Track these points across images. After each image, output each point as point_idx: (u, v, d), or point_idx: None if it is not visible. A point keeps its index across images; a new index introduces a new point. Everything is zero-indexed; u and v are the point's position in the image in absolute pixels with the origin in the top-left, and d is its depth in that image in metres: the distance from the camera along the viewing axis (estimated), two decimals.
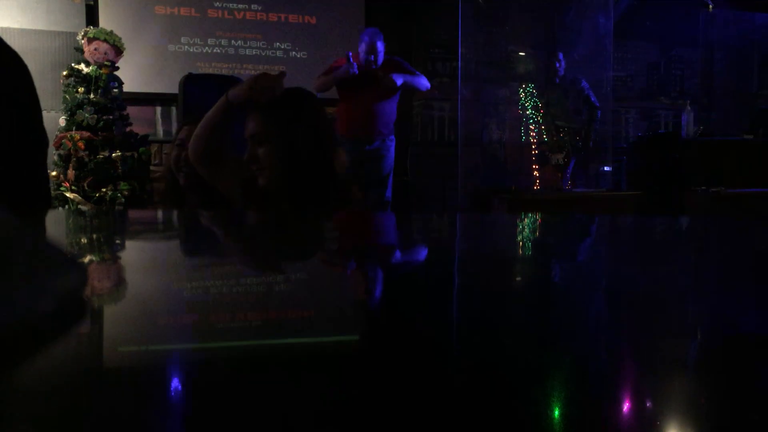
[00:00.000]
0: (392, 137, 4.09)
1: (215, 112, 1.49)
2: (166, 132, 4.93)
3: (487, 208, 4.37)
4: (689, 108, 5.07)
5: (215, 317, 0.32)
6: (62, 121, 4.08)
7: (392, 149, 4.10)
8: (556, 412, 0.19)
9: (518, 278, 0.48)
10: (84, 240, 0.70)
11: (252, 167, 1.47)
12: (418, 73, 4.02)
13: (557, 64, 4.83)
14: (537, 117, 5.39)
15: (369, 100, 3.93)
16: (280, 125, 1.45)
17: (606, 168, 5.27)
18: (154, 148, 4.67)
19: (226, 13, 5.08)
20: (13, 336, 0.24)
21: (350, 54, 3.80)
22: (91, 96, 4.04)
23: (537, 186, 5.14)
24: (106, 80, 4.09)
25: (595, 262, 0.58)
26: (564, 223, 1.00)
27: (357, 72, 3.77)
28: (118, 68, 4.23)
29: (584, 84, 4.92)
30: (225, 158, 1.55)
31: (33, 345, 0.24)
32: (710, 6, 5.29)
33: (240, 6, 5.11)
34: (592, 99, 4.91)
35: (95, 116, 4.01)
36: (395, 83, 3.80)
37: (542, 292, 0.41)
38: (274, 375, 0.22)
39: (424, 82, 3.98)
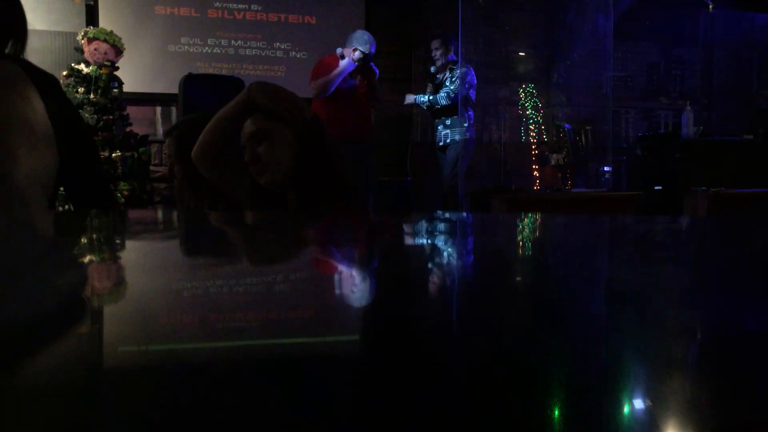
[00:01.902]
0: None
1: (234, 109, 1.49)
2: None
3: (487, 208, 4.37)
4: (689, 108, 5.06)
5: (215, 317, 0.32)
6: None
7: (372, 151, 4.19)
8: (557, 413, 0.19)
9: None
10: (84, 240, 0.69)
11: (253, 168, 1.46)
12: None
13: (434, 53, 4.45)
14: (537, 117, 5.38)
15: (361, 102, 4.01)
16: (278, 122, 1.46)
17: (606, 168, 5.25)
18: (154, 148, 4.67)
19: (226, 13, 5.08)
20: (14, 336, 0.24)
21: (341, 50, 3.89)
22: (91, 96, 4.04)
23: (537, 186, 5.14)
24: (106, 80, 4.09)
25: (602, 263, 0.58)
26: (567, 223, 1.00)
27: (355, 64, 3.88)
28: (118, 68, 4.23)
29: (467, 71, 4.47)
30: (228, 161, 1.55)
31: (33, 345, 0.24)
32: (710, 6, 5.29)
33: (240, 6, 5.11)
34: (452, 87, 4.41)
35: (95, 116, 4.01)
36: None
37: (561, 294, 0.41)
38: (274, 375, 0.22)
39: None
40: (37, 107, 0.99)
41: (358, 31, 4.09)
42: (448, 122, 4.43)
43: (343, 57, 3.90)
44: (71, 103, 1.17)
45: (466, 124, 4.47)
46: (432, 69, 4.50)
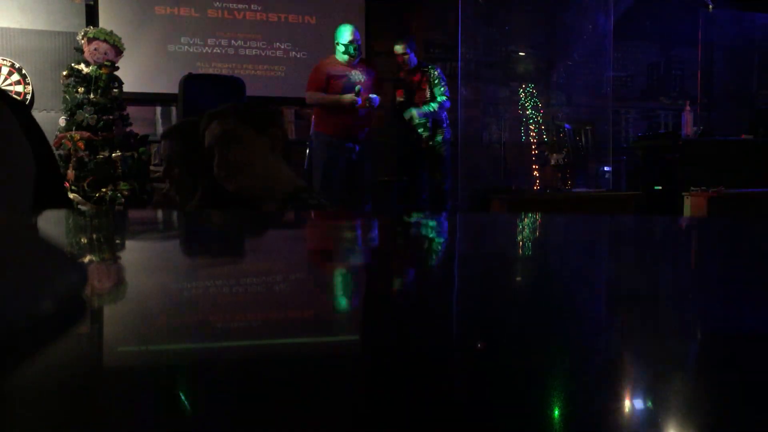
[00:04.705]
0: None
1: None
2: None
3: (487, 208, 4.37)
4: (689, 108, 5.06)
5: (215, 317, 0.32)
6: (62, 121, 4.09)
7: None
8: (557, 412, 0.19)
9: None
10: (84, 240, 0.70)
11: (221, 173, 1.45)
12: None
13: (405, 57, 4.36)
14: (537, 117, 5.39)
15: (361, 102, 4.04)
16: (249, 127, 1.45)
17: (606, 168, 5.26)
18: (154, 148, 4.67)
19: (226, 13, 5.08)
20: (13, 336, 0.24)
21: (361, 89, 3.98)
22: (91, 96, 4.04)
23: (537, 186, 5.14)
24: (106, 80, 4.09)
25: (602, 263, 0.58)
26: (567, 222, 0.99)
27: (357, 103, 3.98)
28: (118, 68, 4.23)
29: (438, 72, 4.43)
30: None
31: (33, 345, 0.24)
32: (710, 6, 5.29)
33: (240, 6, 5.11)
34: (443, 89, 4.40)
35: (95, 116, 4.01)
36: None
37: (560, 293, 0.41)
38: (274, 375, 0.22)
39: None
40: (23, 144, 0.98)
41: (343, 26, 4.13)
42: (429, 125, 4.41)
43: (357, 93, 3.94)
44: (41, 128, 1.16)
45: (444, 125, 4.47)
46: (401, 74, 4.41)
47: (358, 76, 4.06)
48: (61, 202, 1.20)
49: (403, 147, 4.56)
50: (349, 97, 3.94)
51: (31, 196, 0.96)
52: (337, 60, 4.09)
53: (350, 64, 4.06)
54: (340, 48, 4.05)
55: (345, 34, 4.06)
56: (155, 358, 0.25)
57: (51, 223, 0.83)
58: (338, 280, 0.47)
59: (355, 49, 4.04)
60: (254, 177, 1.44)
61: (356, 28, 4.13)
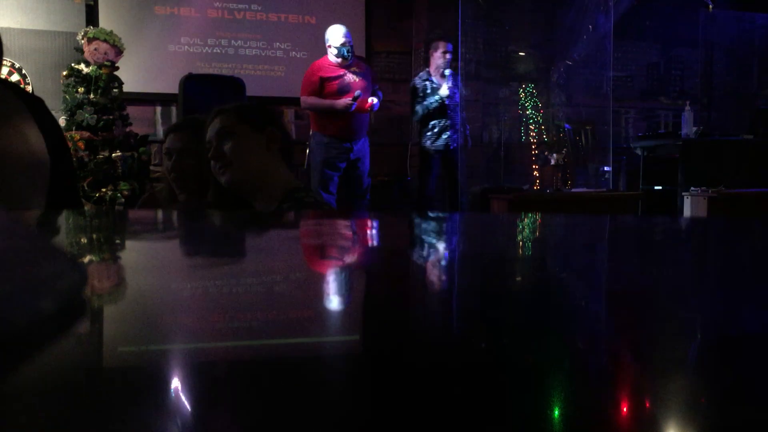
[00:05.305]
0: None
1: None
2: None
3: (487, 208, 4.37)
4: (689, 108, 5.06)
5: (216, 317, 0.32)
6: (62, 121, 4.09)
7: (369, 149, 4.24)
8: (556, 412, 0.19)
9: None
10: (84, 240, 0.70)
11: (215, 165, 1.48)
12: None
13: (448, 57, 4.40)
14: (537, 117, 5.39)
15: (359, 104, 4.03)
16: (247, 124, 1.49)
17: (606, 168, 5.25)
18: (154, 148, 4.68)
19: (226, 13, 5.08)
20: (13, 336, 0.24)
21: (360, 94, 3.94)
22: (91, 96, 4.04)
23: (537, 186, 5.14)
24: (106, 80, 4.10)
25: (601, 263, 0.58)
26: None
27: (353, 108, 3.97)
28: (118, 68, 4.23)
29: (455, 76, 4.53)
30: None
31: (33, 345, 0.24)
32: (710, 6, 5.29)
33: (240, 6, 5.11)
34: (456, 99, 4.51)
35: (95, 116, 4.01)
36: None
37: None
38: (275, 375, 0.22)
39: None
40: (38, 139, 0.99)
41: (334, 27, 4.09)
42: (454, 126, 4.46)
43: (356, 99, 3.91)
44: (58, 124, 1.17)
45: (457, 127, 4.51)
46: (446, 71, 4.40)
47: (353, 76, 4.03)
48: (73, 199, 1.21)
49: (414, 146, 4.59)
50: (343, 102, 3.91)
51: (45, 193, 0.97)
52: (330, 61, 4.05)
53: (344, 65, 4.03)
54: (333, 50, 4.00)
55: (336, 35, 4.00)
56: (155, 358, 0.25)
57: (51, 223, 0.83)
58: (330, 279, 0.47)
59: (348, 51, 3.99)
60: (246, 172, 1.47)
61: (347, 29, 4.06)
